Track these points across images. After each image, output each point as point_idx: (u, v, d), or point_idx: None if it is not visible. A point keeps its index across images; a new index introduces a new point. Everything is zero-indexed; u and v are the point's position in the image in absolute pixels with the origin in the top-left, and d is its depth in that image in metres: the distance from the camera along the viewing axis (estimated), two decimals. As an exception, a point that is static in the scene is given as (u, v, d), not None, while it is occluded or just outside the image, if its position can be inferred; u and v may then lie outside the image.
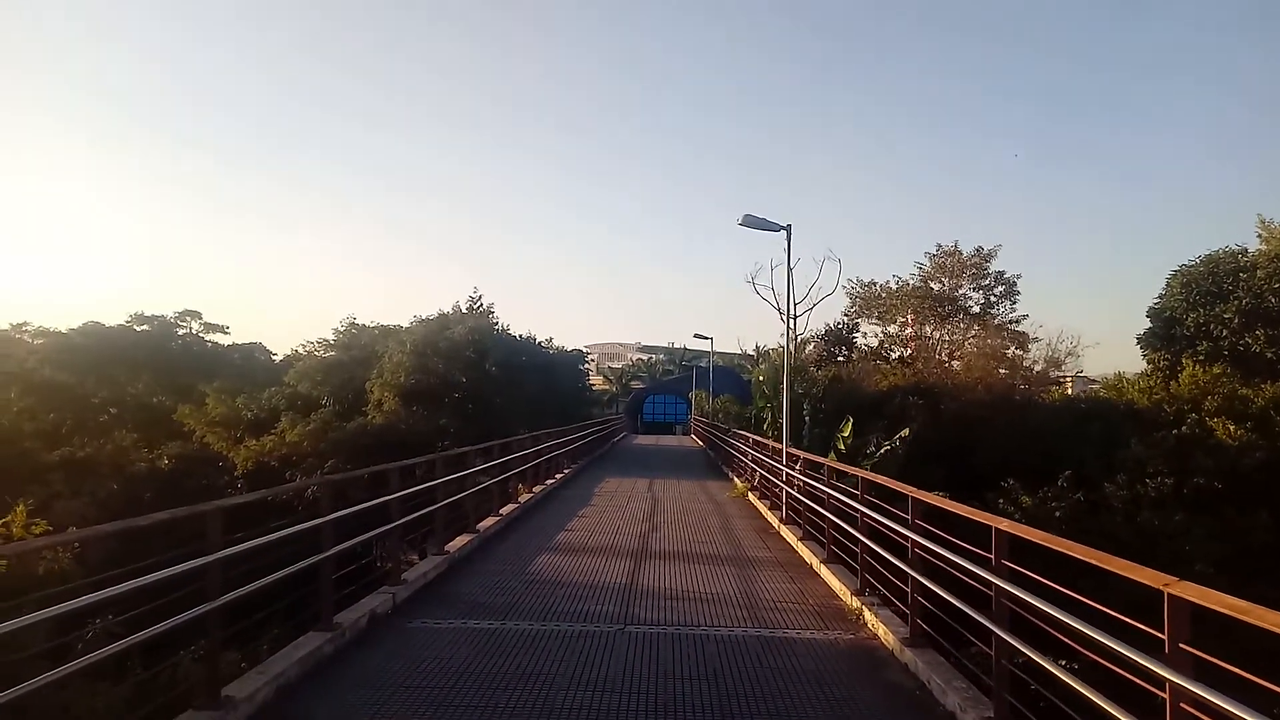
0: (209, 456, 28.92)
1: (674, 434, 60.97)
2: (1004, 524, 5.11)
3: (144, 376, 35.68)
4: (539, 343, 36.13)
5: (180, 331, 38.50)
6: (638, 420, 68.25)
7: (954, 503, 6.41)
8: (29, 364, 34.30)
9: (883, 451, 19.54)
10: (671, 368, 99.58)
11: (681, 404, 69.55)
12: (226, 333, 40.55)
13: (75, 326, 36.62)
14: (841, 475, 11.04)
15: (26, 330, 42.91)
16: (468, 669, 6.37)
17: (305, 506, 12.58)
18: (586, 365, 46.07)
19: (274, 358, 40.99)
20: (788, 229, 15.50)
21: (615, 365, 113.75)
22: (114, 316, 45.77)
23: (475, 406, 28.57)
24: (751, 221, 15.38)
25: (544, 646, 7.03)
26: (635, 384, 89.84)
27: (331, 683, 6.07)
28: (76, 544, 7.38)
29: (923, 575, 6.63)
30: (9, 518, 8.03)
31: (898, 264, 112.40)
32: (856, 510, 8.89)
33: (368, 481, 9.86)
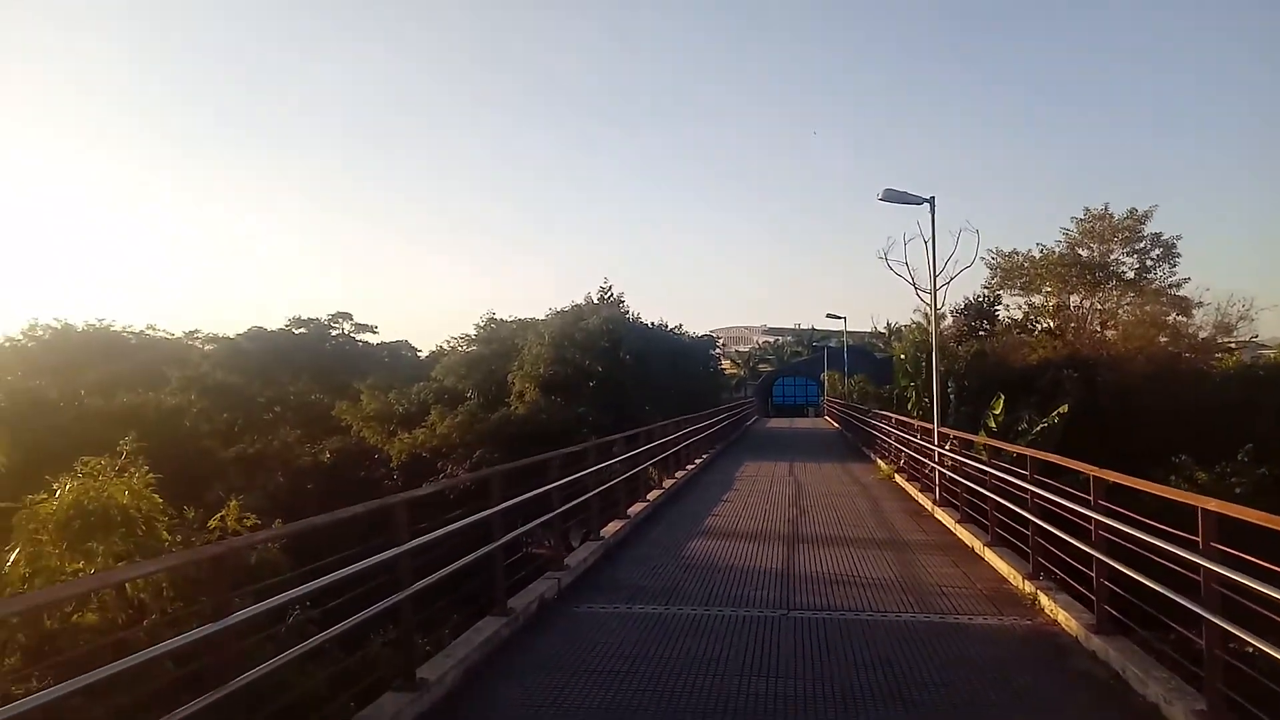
0: (365, 449, 30.63)
1: (806, 416, 60.16)
2: (1212, 504, 4.78)
3: (303, 376, 38.10)
4: (669, 329, 36.32)
5: (334, 332, 40.95)
6: (768, 404, 67.71)
7: (1147, 482, 6.03)
8: (203, 368, 37.25)
9: (1039, 429, 18.63)
10: (799, 349, 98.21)
11: (812, 385, 68.51)
12: (375, 332, 42.84)
13: (241, 332, 39.50)
14: (1001, 454, 10.59)
15: (198, 337, 46.61)
16: (639, 653, 6.50)
17: (456, 497, 13.09)
18: (717, 350, 45.98)
19: (419, 354, 42.97)
20: (931, 201, 14.94)
21: (742, 349, 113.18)
22: (274, 321, 49.14)
23: (611, 394, 29.04)
24: (892, 196, 14.90)
25: (710, 631, 7.09)
26: (763, 367, 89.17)
27: (512, 666, 6.32)
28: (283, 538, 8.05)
29: (1109, 558, 6.29)
30: (224, 512, 8.75)
31: (1039, 232, 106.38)
32: (1025, 490, 8.51)
33: (518, 472, 10.18)
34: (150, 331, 46.34)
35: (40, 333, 43.34)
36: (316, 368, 38.41)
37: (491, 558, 7.32)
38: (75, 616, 6.61)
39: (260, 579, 5.63)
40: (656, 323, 35.19)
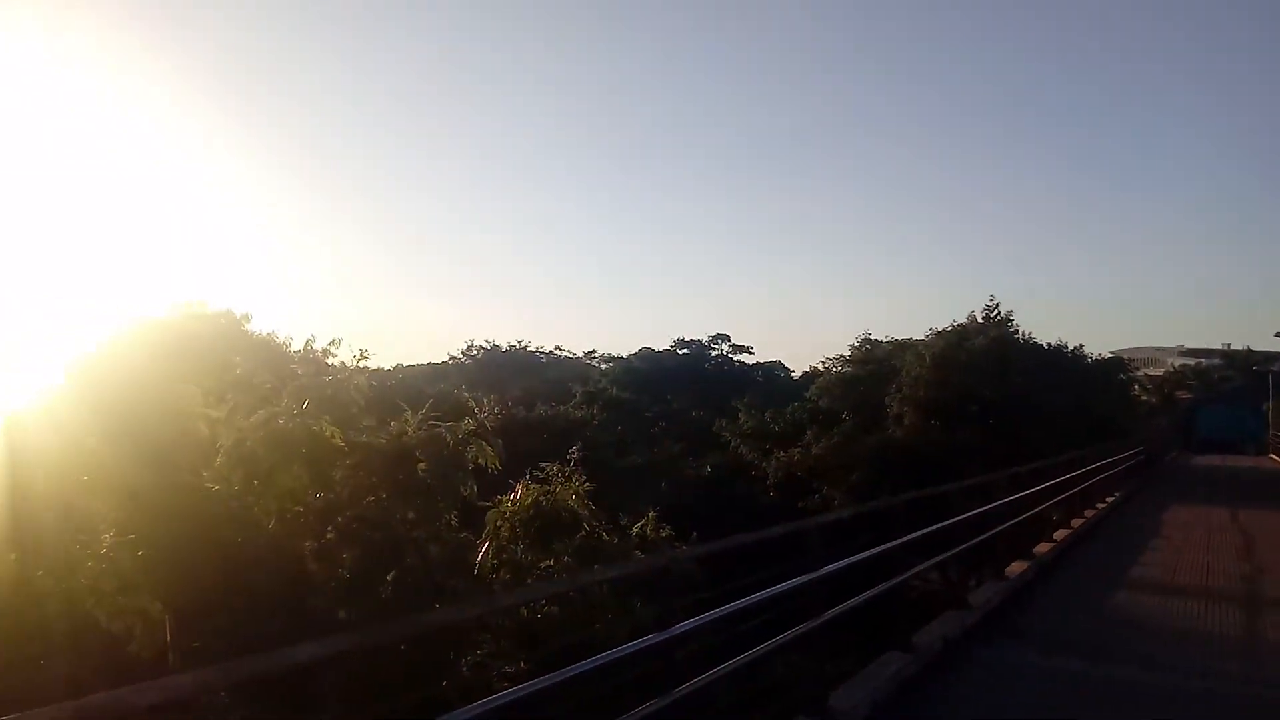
0: (742, 465, 31.78)
1: (1243, 454, 50.49)
2: None
3: (685, 393, 40.72)
4: (1068, 350, 32.82)
5: (713, 353, 43.37)
6: (1190, 437, 58.07)
7: None
8: (601, 384, 41.45)
9: None
10: (1230, 373, 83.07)
11: (1251, 417, 57.44)
12: (751, 352, 44.54)
13: (633, 351, 43.39)
14: None
15: (595, 356, 51.96)
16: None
17: (850, 523, 12.84)
18: (1125, 374, 40.62)
19: (792, 374, 43.81)
20: None
21: (1154, 372, 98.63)
22: (660, 341, 53.40)
23: (999, 421, 26.95)
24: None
25: (1154, 702, 6.17)
26: (1182, 394, 76.80)
27: (922, 707, 6.04)
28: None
29: None
30: (642, 522, 9.59)
31: None
32: None
33: (919, 503, 9.74)
34: (557, 351, 52.79)
35: (475, 353, 51.51)
36: (697, 386, 40.77)
37: (894, 590, 7.09)
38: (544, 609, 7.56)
39: (680, 592, 6.02)
40: (1053, 343, 32.01)
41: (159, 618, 7.11)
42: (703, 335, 43.18)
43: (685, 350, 43.42)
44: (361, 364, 10.86)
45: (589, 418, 33.83)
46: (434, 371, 49.35)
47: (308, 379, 10.19)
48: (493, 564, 10.67)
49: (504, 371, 47.81)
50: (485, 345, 51.49)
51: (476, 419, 10.32)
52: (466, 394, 13.18)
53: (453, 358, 51.53)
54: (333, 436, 8.98)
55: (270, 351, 28.30)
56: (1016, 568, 10.77)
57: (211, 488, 8.87)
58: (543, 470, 11.83)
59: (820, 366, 35.79)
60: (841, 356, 34.21)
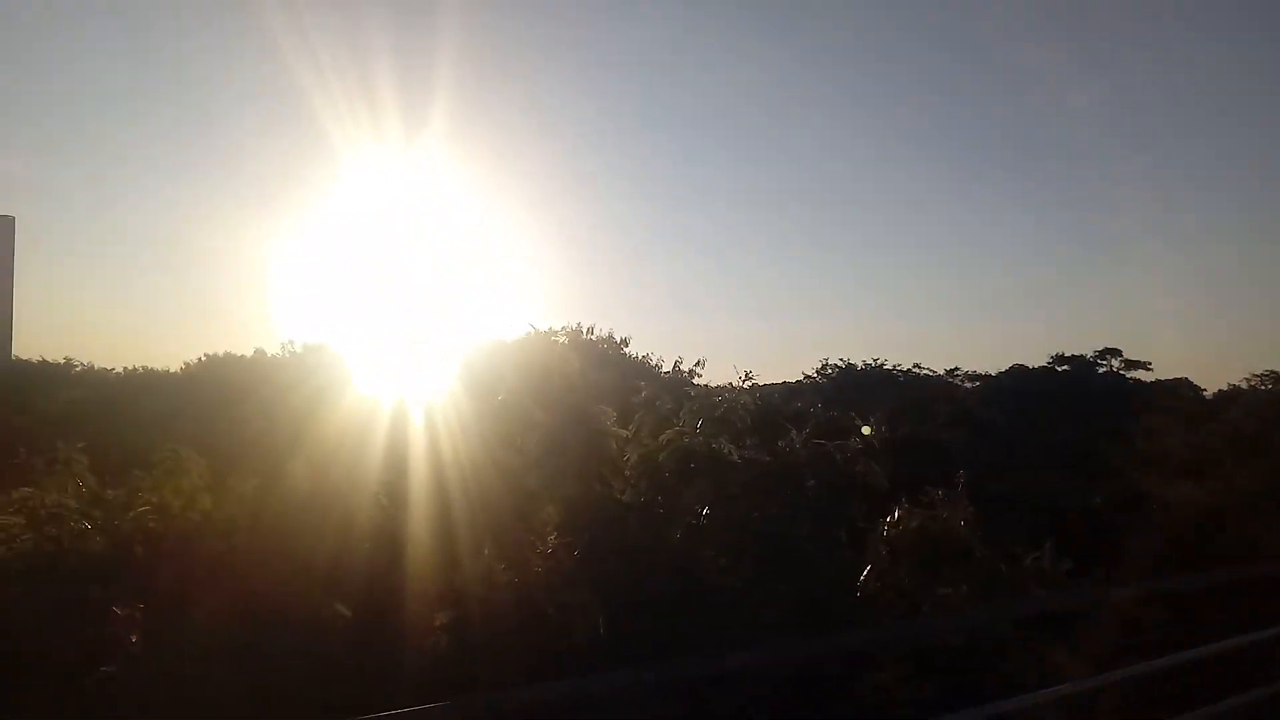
0: (1138, 495, 28.01)
1: None
2: None
3: (1064, 413, 36.94)
4: None
5: (1100, 369, 38.99)
6: None
7: None
8: (966, 404, 39.11)
9: None
10: None
11: None
12: (1148, 369, 39.55)
13: (1002, 370, 40.48)
14: None
15: (959, 374, 49.35)
16: None
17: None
18: None
19: (1203, 393, 38.03)
20: None
21: None
22: (1035, 358, 49.44)
23: None
24: None
25: None
26: None
27: None
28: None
29: None
30: (1037, 554, 9.09)
31: None
32: None
33: None
34: (916, 369, 50.89)
35: (830, 371, 51.51)
36: (1079, 406, 36.87)
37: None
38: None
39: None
40: None
41: (595, 613, 8.04)
42: (1087, 350, 39.01)
43: (1065, 367, 39.49)
44: (747, 384, 11.44)
45: (955, 439, 32.09)
46: (789, 390, 50.10)
47: (701, 399, 10.93)
48: (876, 586, 10.60)
49: (861, 390, 47.17)
50: (840, 363, 51.19)
51: (863, 437, 10.36)
52: (852, 414, 13.21)
53: (807, 376, 51.96)
54: (730, 453, 9.55)
55: (647, 372, 30.78)
56: None
57: (621, 498, 9.89)
58: (925, 494, 11.55)
59: (1242, 384, 30.61)
60: (1272, 372, 28.98)
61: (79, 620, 6.12)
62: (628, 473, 10.17)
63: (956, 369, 49.86)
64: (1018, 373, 39.56)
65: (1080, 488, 30.80)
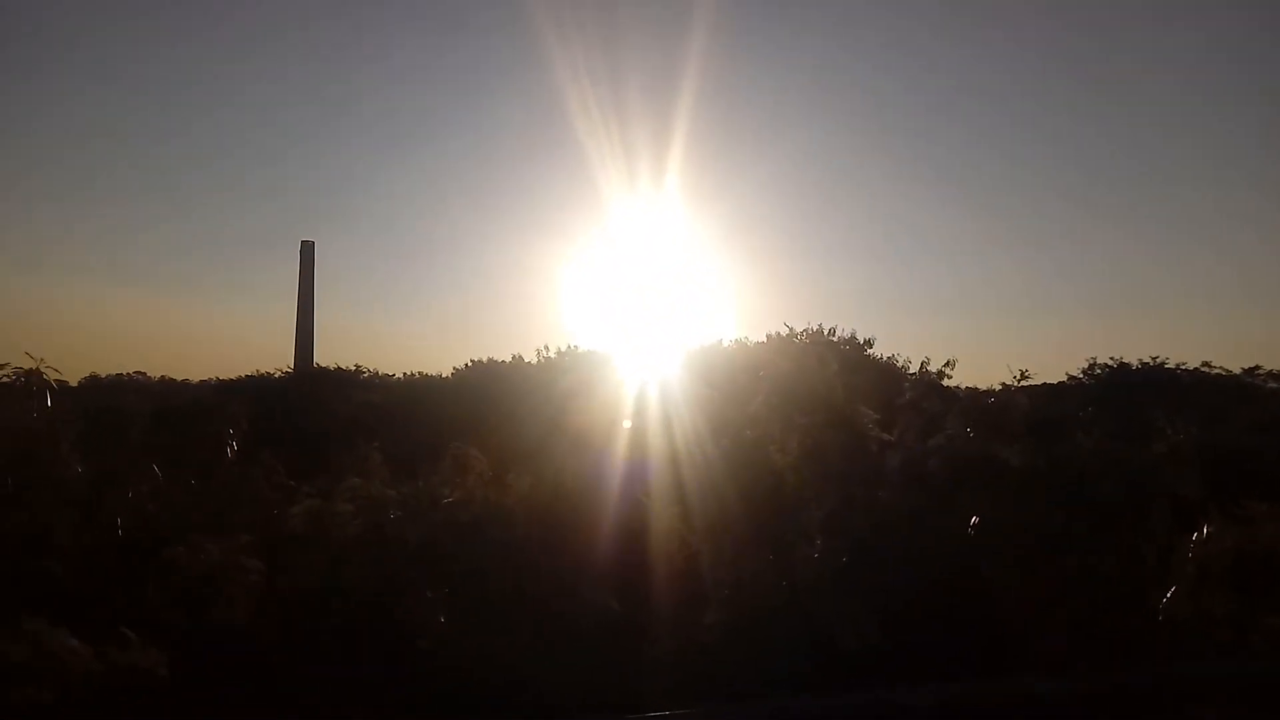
0: None
1: None
2: None
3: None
4: None
5: None
6: None
7: None
8: (1272, 407, 34.04)
9: None
10: None
11: None
12: None
13: None
14: None
15: (1259, 373, 43.23)
16: None
17: None
18: None
19: None
20: None
21: None
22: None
23: None
24: None
25: None
26: None
27: None
28: None
29: None
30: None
31: None
32: None
33: None
34: (1205, 369, 45.16)
35: (1098, 371, 46.92)
36: None
37: None
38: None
39: None
40: None
41: (866, 621, 7.79)
42: None
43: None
44: (1023, 384, 10.58)
45: (1260, 447, 28.03)
46: (1049, 391, 46.23)
47: (968, 401, 10.28)
48: (1183, 610, 9.44)
49: (1135, 392, 42.56)
50: (1110, 363, 46.29)
51: (1170, 441, 9.26)
52: (1158, 414, 11.94)
53: (1071, 377, 47.54)
54: (1007, 459, 8.89)
55: (893, 374, 29.57)
56: None
57: (888, 504, 9.50)
58: (1241, 506, 10.17)
59: None
60: None
61: (398, 599, 6.84)
62: (893, 478, 9.77)
63: (1257, 367, 43.59)
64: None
65: None
